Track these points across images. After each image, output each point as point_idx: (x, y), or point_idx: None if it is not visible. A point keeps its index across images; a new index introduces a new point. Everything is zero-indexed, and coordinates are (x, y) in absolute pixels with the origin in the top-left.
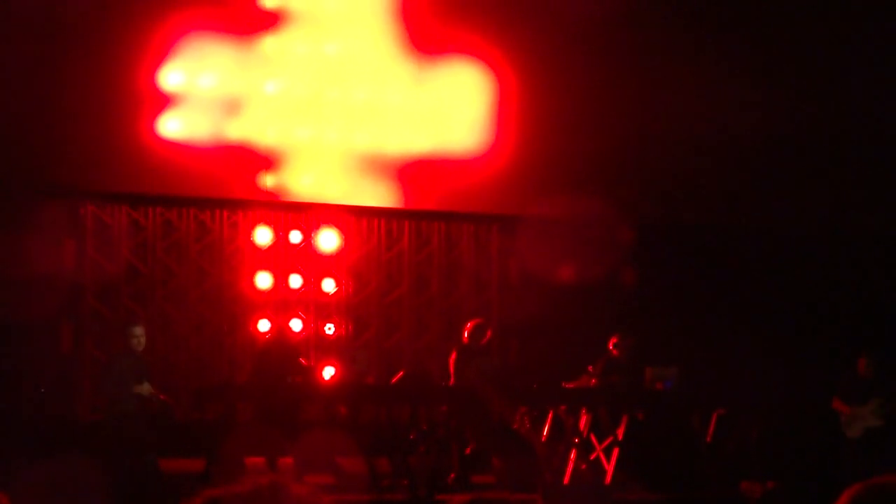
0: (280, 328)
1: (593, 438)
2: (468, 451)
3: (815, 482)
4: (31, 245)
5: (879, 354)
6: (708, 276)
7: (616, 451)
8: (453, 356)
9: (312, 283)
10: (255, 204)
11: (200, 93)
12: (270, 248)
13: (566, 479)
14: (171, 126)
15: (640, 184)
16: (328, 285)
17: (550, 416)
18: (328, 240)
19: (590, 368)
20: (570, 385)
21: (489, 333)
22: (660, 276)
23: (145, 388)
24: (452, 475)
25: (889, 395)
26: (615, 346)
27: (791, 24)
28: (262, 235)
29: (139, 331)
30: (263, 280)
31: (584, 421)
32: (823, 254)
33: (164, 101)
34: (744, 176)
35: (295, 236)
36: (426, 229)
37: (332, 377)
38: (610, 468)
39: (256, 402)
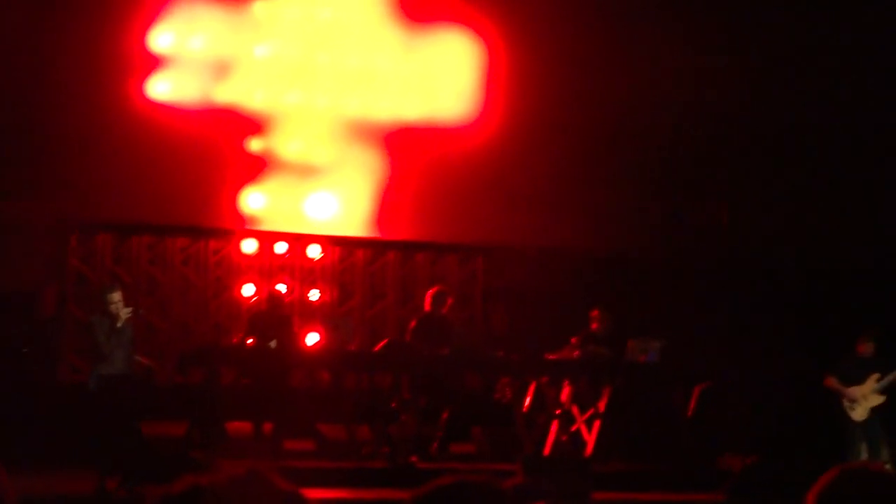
0: (272, 293)
1: (575, 410)
2: (444, 417)
3: (796, 457)
4: (14, 209)
5: (879, 334)
6: (695, 250)
7: (597, 423)
8: (412, 326)
9: (298, 248)
10: (244, 232)
11: (190, 55)
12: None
13: (547, 451)
14: (160, 88)
15: (625, 155)
16: (314, 251)
17: (532, 386)
18: (317, 206)
19: (573, 340)
20: (552, 356)
21: (450, 301)
22: (647, 249)
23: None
24: (435, 444)
25: (886, 371)
26: (594, 319)
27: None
28: (253, 200)
29: (117, 297)
30: (249, 245)
31: (565, 392)
32: (817, 230)
33: (153, 63)
34: (729, 148)
35: (284, 203)
36: None
37: (316, 343)
38: (591, 440)
39: (240, 367)
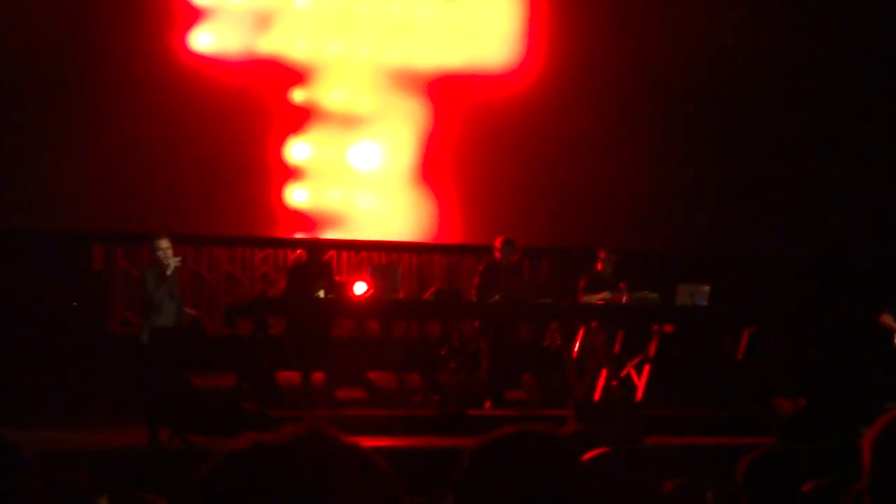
0: (311, 244)
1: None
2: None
3: (845, 400)
4: (63, 162)
5: None
6: (741, 193)
7: (647, 368)
8: (480, 270)
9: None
10: (276, 242)
11: (232, 6)
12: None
13: (597, 396)
14: (202, 40)
15: (670, 99)
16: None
17: (581, 332)
18: (360, 156)
19: (621, 285)
20: (601, 301)
21: (519, 248)
22: (693, 193)
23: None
24: (488, 402)
25: None
26: (601, 260)
27: None
28: (298, 150)
29: (165, 243)
30: (298, 195)
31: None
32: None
33: (195, 15)
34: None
35: (328, 153)
36: None
37: (364, 293)
38: (641, 385)
39: (288, 317)
